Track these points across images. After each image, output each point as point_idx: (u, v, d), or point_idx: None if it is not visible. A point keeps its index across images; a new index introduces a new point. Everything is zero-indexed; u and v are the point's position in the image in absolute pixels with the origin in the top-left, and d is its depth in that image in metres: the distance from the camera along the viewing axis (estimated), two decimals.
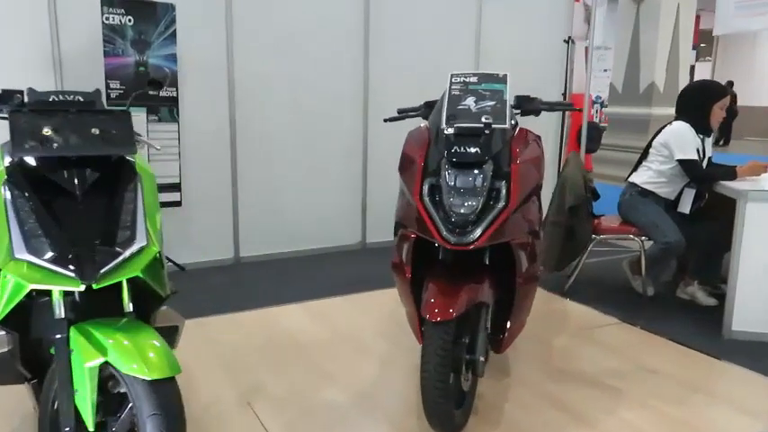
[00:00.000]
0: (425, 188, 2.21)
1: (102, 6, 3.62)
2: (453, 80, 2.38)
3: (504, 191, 2.15)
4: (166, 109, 3.91)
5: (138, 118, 3.81)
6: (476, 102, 2.27)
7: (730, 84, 16.57)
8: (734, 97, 16.33)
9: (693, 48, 16.30)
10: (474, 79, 2.36)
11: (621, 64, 9.40)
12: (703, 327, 3.42)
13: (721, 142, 16.32)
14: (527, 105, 2.52)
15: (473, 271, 2.26)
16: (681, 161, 3.61)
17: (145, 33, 3.77)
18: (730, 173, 3.54)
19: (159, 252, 1.82)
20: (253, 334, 3.19)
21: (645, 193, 3.80)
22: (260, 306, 3.63)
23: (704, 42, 19.49)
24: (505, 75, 2.35)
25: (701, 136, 3.68)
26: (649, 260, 3.76)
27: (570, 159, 3.96)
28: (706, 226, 3.68)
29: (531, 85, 5.51)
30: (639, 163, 3.90)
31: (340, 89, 4.73)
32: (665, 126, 3.77)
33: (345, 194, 4.96)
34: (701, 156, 3.66)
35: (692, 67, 16.98)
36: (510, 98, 2.31)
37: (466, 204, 2.12)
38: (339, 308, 3.63)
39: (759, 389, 2.73)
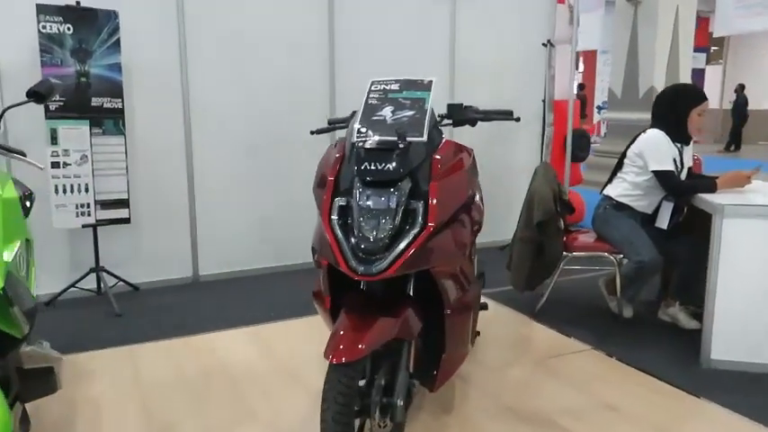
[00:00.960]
0: (335, 209, 1.96)
1: (38, 14, 3.44)
2: (373, 87, 2.14)
3: (421, 212, 1.90)
4: (111, 121, 3.71)
5: (80, 131, 3.62)
6: (393, 112, 2.02)
7: (741, 87, 16.14)
8: (745, 101, 15.90)
9: (702, 50, 15.93)
10: (395, 86, 2.12)
11: (620, 68, 9.09)
12: (681, 354, 3.12)
13: (732, 147, 15.88)
14: (459, 115, 2.27)
15: (395, 301, 2.01)
16: (656, 172, 3.32)
17: (86, 42, 3.58)
18: (710, 185, 3.25)
19: (2, 289, 1.59)
20: (183, 364, 2.96)
21: (620, 206, 3.52)
22: (203, 330, 3.39)
23: (715, 45, 19.06)
24: (431, 81, 2.10)
25: (679, 144, 3.39)
26: (624, 279, 3.47)
27: (538, 171, 3.68)
28: (686, 242, 3.39)
29: (509, 91, 5.34)
30: (614, 174, 3.62)
31: (304, 100, 4.50)
32: (640, 134, 3.49)
33: (309, 210, 4.71)
34: (679, 166, 3.37)
35: (702, 71, 16.62)
36: (436, 107, 2.06)
37: (376, 228, 1.87)
38: (285, 333, 3.38)
39: None
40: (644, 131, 3.47)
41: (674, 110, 3.37)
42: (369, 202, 1.91)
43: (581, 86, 13.98)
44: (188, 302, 3.93)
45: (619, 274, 3.49)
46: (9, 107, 2.05)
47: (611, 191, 3.58)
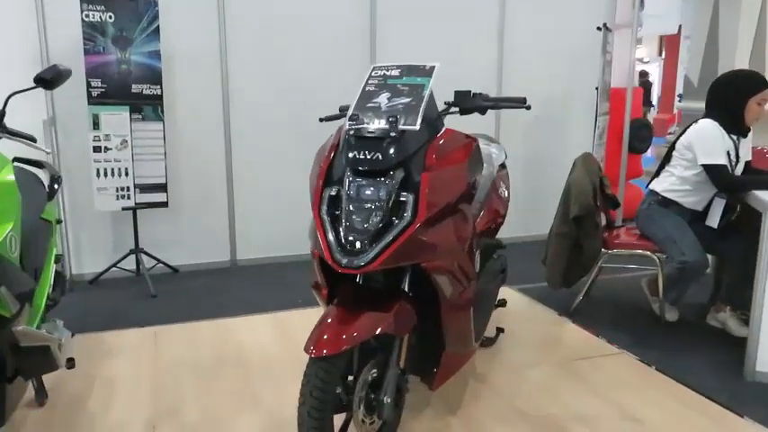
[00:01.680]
0: (325, 199, 1.91)
1: (81, 3, 3.55)
2: (373, 74, 2.06)
3: (411, 204, 1.81)
4: (150, 107, 3.80)
5: (121, 116, 3.73)
6: (389, 99, 1.93)
7: None
8: None
9: None
10: (395, 72, 2.03)
11: (698, 54, 8.47)
12: (725, 365, 2.87)
13: None
14: (466, 103, 2.15)
15: (390, 295, 1.94)
16: (705, 166, 3.06)
17: (126, 30, 3.67)
18: (766, 182, 2.96)
19: None
20: (202, 347, 3.00)
21: (666, 202, 3.27)
22: (230, 314, 3.44)
23: None
24: (433, 67, 1.99)
25: (734, 136, 3.10)
26: (666, 281, 3.24)
27: (577, 163, 3.47)
28: (739, 242, 3.11)
29: (561, 78, 5.08)
30: (662, 167, 3.36)
31: (344, 86, 4.43)
32: (691, 124, 3.22)
33: None
34: (734, 159, 3.09)
35: None
36: (436, 93, 1.96)
37: (364, 220, 1.80)
38: (306, 321, 3.35)
39: None
40: (695, 121, 3.20)
41: (730, 98, 3.08)
42: (358, 193, 1.83)
43: (642, 74, 13.11)
44: (222, 286, 4.00)
45: (661, 274, 3.26)
46: (14, 93, 2.11)
47: (657, 185, 3.34)
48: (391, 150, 1.82)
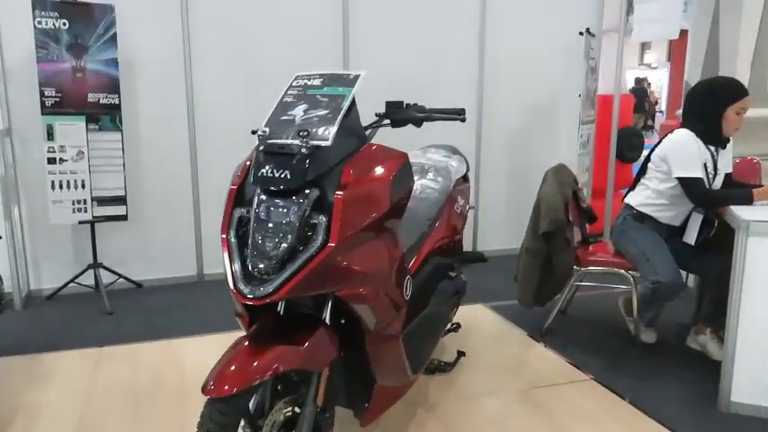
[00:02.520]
0: (234, 221, 1.75)
1: (33, 10, 3.43)
2: (294, 83, 1.89)
3: (323, 227, 1.64)
4: (108, 117, 3.67)
5: (77, 127, 3.60)
6: (306, 110, 1.77)
7: None
8: None
9: None
10: (317, 82, 1.86)
11: (699, 57, 8.23)
12: (700, 393, 2.67)
13: None
14: (397, 114, 1.98)
15: (311, 326, 1.77)
16: (680, 179, 2.87)
17: (81, 37, 3.54)
18: (745, 196, 2.76)
19: None
20: (143, 370, 2.84)
21: (641, 217, 3.08)
22: (185, 334, 3.28)
23: None
24: (357, 76, 1.83)
25: (712, 147, 2.91)
26: (640, 301, 3.04)
27: (548, 175, 3.29)
28: (717, 260, 2.90)
29: (547, 85, 4.89)
30: (637, 180, 3.17)
31: None
32: (667, 134, 3.03)
33: None
34: (711, 172, 2.89)
35: None
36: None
37: (271, 244, 1.64)
38: None
39: None
40: (671, 131, 3.01)
41: (707, 108, 2.88)
42: (267, 214, 1.67)
43: (638, 80, 12.74)
44: (186, 302, 3.85)
45: (635, 293, 3.06)
46: None
47: (631, 199, 3.15)
48: (302, 168, 1.65)
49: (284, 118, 1.77)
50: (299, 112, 1.77)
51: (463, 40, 4.61)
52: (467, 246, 4.90)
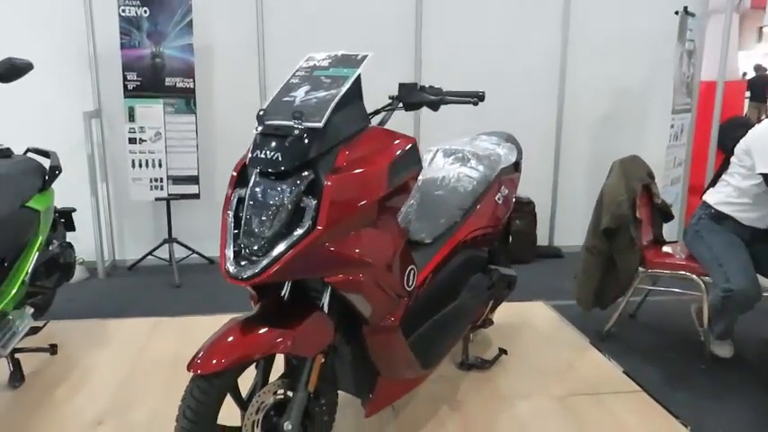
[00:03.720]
0: (233, 202, 1.76)
1: None
2: (303, 64, 1.87)
3: (312, 210, 1.61)
4: (183, 100, 3.85)
5: (155, 109, 3.82)
6: (308, 92, 1.74)
7: None
8: None
9: None
10: (325, 63, 1.83)
11: None
12: None
13: None
14: (410, 97, 1.89)
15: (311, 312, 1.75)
16: (765, 176, 2.53)
17: (160, 24, 3.74)
18: None
19: None
20: (192, 343, 2.95)
21: (719, 217, 2.76)
22: (244, 310, 3.38)
23: None
24: (364, 57, 1.77)
25: None
26: (710, 310, 2.73)
27: (614, 167, 3.02)
28: None
29: (635, 70, 4.50)
30: (718, 176, 2.84)
31: (383, 84, 4.25)
32: (754, 126, 2.69)
33: None
34: None
35: None
36: (356, 85, 1.75)
37: (261, 224, 1.63)
38: None
39: None
40: (759, 122, 2.66)
41: None
42: (263, 195, 1.66)
43: (758, 68, 11.21)
44: None
45: (706, 302, 2.76)
46: None
47: (710, 197, 2.83)
48: (294, 150, 1.62)
49: (286, 99, 1.75)
50: (300, 93, 1.75)
51: (546, 20, 4.35)
52: (542, 239, 4.67)
